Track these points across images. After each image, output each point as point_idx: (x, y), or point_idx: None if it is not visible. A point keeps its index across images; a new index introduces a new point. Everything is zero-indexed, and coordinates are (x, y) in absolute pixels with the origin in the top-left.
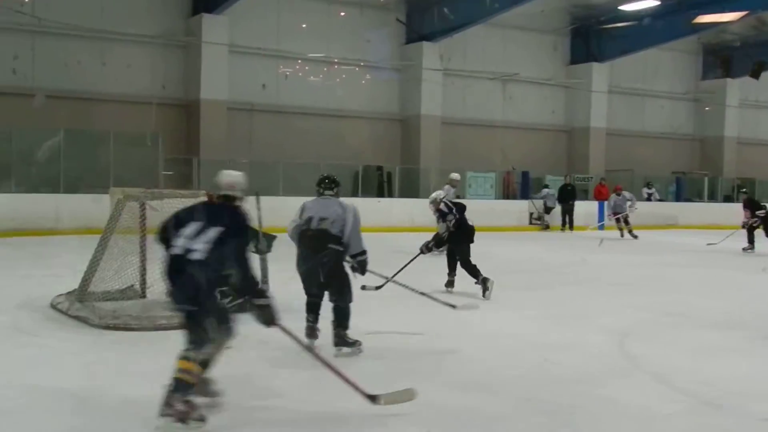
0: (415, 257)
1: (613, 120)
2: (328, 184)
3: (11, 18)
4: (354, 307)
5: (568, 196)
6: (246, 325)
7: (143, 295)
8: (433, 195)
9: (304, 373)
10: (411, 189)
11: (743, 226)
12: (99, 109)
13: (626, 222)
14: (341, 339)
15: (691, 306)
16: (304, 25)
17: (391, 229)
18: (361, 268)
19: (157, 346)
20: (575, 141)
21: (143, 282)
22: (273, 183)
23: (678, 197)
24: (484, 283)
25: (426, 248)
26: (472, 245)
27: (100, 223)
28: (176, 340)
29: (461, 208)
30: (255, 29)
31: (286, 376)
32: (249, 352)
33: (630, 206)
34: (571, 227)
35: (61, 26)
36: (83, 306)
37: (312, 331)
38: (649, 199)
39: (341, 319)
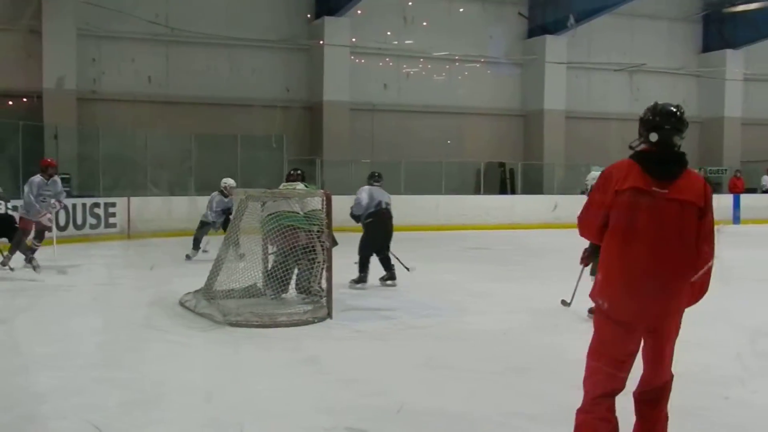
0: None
1: (750, 109)
2: (378, 177)
3: (147, 29)
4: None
5: None
6: (363, 322)
7: (264, 293)
8: None
9: (418, 372)
10: (534, 185)
11: None
12: (227, 113)
13: None
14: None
15: None
16: (424, 24)
17: (514, 226)
18: None
19: (275, 342)
20: (708, 132)
21: (265, 280)
22: (395, 182)
23: None
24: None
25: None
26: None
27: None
28: (293, 336)
29: None
30: (376, 30)
31: (408, 378)
32: (366, 348)
33: None
34: None
35: (193, 35)
36: (209, 304)
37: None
38: None
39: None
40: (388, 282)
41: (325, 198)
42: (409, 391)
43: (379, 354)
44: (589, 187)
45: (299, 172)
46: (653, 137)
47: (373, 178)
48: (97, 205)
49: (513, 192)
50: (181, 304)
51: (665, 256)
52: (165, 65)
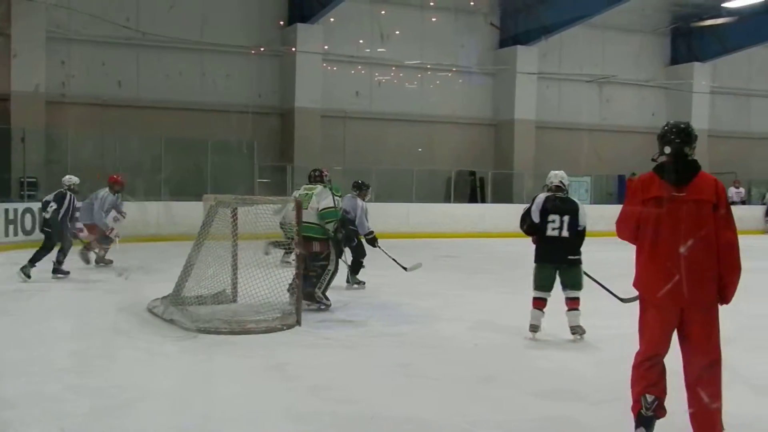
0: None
1: (716, 121)
2: (352, 188)
3: (117, 33)
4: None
5: None
6: (332, 329)
7: (234, 300)
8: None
9: (387, 380)
10: (504, 194)
11: None
12: (198, 118)
13: None
14: (356, 280)
15: None
16: (397, 32)
17: (484, 234)
18: (369, 243)
19: (244, 349)
20: None
21: (234, 287)
22: None
23: None
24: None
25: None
26: None
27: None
28: (262, 344)
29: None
30: (348, 37)
31: (368, 383)
32: (335, 355)
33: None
34: None
35: (164, 39)
36: (177, 310)
37: None
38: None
39: (356, 267)
40: (354, 285)
41: (295, 206)
42: (378, 399)
43: (349, 361)
44: (550, 185)
45: (318, 173)
46: (667, 150)
47: (352, 187)
48: None
49: (483, 200)
50: (149, 310)
51: (688, 248)
52: (135, 69)
